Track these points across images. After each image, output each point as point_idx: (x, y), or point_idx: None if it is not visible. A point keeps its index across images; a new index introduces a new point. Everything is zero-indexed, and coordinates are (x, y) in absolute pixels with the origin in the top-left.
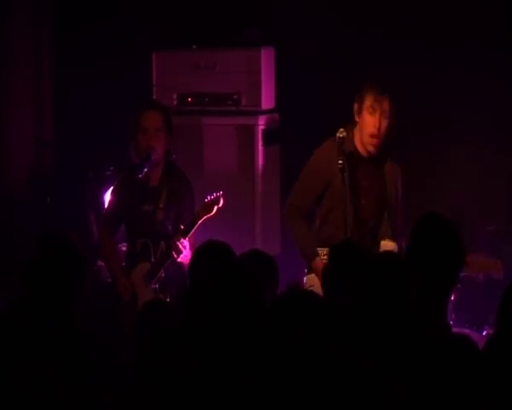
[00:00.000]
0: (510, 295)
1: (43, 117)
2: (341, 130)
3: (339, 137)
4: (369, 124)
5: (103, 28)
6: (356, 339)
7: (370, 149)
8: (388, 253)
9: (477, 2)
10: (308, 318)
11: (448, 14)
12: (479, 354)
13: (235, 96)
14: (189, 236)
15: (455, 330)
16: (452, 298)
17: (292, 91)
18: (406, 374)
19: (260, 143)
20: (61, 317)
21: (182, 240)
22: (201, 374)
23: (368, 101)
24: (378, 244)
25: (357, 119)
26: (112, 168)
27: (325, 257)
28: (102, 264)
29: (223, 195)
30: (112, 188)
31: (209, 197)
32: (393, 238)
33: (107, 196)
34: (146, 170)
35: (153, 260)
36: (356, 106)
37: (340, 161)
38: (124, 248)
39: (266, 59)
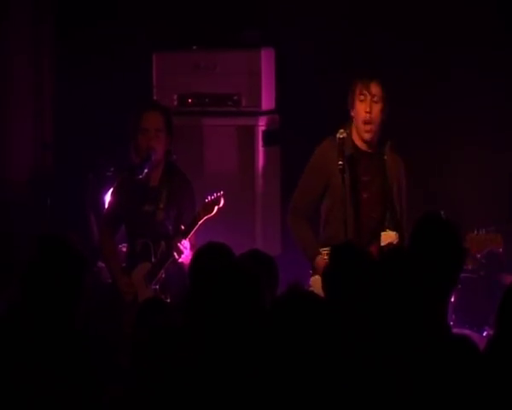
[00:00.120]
0: (510, 296)
1: (44, 118)
2: (341, 131)
3: (339, 138)
4: (360, 111)
5: (103, 29)
6: (356, 340)
7: (365, 136)
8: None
9: (477, 1)
10: (308, 318)
11: (448, 14)
12: (479, 355)
13: (235, 97)
14: (190, 236)
15: (455, 330)
16: (452, 299)
17: (292, 92)
18: (407, 375)
19: (260, 143)
20: (61, 318)
21: (182, 241)
22: (201, 375)
23: (357, 89)
24: (379, 236)
25: (352, 113)
26: (112, 169)
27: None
28: (103, 265)
29: (223, 195)
30: (112, 189)
31: (210, 197)
32: (395, 229)
33: (108, 197)
34: (146, 170)
35: (153, 260)
36: (349, 100)
37: (341, 162)
38: (124, 249)
39: (266, 60)
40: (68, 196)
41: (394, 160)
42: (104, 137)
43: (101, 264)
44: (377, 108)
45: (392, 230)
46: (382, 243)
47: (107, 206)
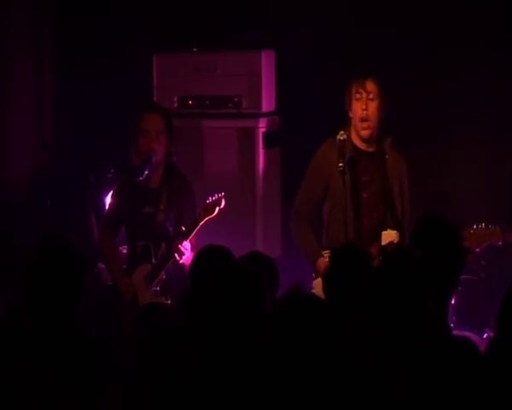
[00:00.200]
0: (510, 299)
1: (44, 119)
2: (341, 132)
3: (339, 140)
4: (357, 109)
5: (104, 30)
6: (357, 341)
7: (363, 134)
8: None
9: (477, 1)
10: (309, 320)
11: (448, 14)
12: (479, 357)
13: (235, 99)
14: (191, 237)
15: (455, 332)
16: (453, 301)
17: (292, 94)
18: (407, 376)
19: (261, 145)
20: (61, 318)
21: (183, 242)
22: (201, 376)
23: (353, 89)
24: (380, 235)
25: (350, 114)
26: (112, 171)
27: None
28: (103, 266)
29: (224, 196)
30: (112, 190)
31: (210, 199)
32: (396, 228)
33: (108, 199)
34: (146, 172)
35: (154, 261)
36: (346, 101)
37: (341, 164)
38: (124, 251)
39: (267, 61)
40: (68, 197)
41: (396, 158)
42: (104, 138)
43: (101, 265)
44: (373, 105)
45: (393, 229)
46: (383, 243)
47: (107, 207)
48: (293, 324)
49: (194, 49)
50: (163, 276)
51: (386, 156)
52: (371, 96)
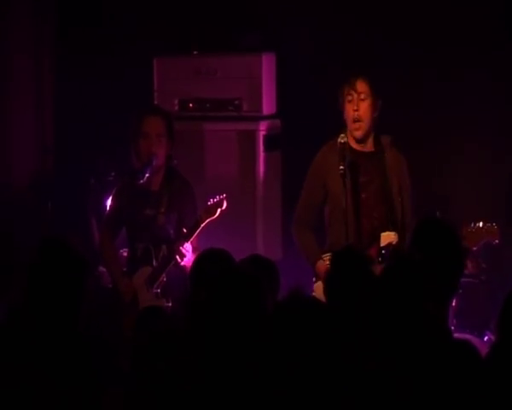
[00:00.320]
0: (511, 302)
1: (45, 122)
2: (342, 135)
3: (340, 143)
4: (349, 111)
5: (104, 33)
6: (357, 344)
7: (356, 134)
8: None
9: (478, 2)
10: (309, 323)
11: (449, 14)
12: (480, 360)
13: (236, 102)
14: (192, 239)
15: (456, 335)
16: (453, 303)
17: (293, 97)
18: (408, 379)
19: (261, 148)
20: (62, 320)
21: (184, 244)
22: (201, 378)
23: (344, 91)
24: (375, 239)
25: (344, 117)
26: (113, 174)
27: (329, 261)
28: (104, 270)
29: (226, 198)
30: (113, 193)
31: (212, 200)
32: (395, 228)
33: (109, 202)
34: (147, 175)
35: (154, 264)
36: (340, 104)
37: (342, 167)
38: (125, 254)
39: (267, 64)
40: (69, 200)
41: (395, 157)
42: (105, 141)
43: (102, 268)
44: (365, 104)
45: (393, 230)
46: (382, 244)
47: (107, 209)
48: (293, 326)
49: (195, 53)
50: (164, 278)
51: (386, 154)
52: (362, 96)
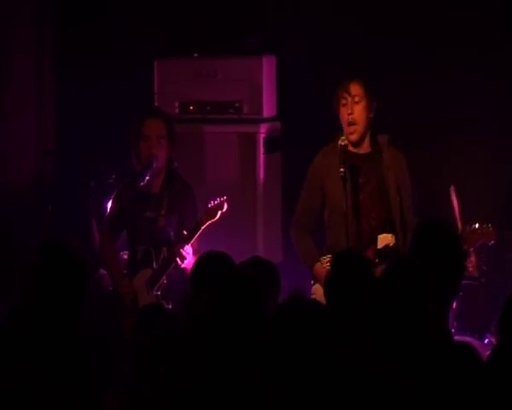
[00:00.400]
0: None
1: (45, 125)
2: (343, 138)
3: (340, 145)
4: (343, 114)
5: (105, 36)
6: (357, 346)
7: (351, 138)
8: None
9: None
10: (310, 326)
11: (449, 14)
12: (480, 362)
13: (236, 105)
14: (192, 242)
15: (456, 338)
16: (454, 306)
17: (293, 99)
18: (408, 382)
19: (262, 151)
20: (63, 323)
21: (185, 246)
22: (202, 380)
23: (339, 94)
24: (374, 240)
25: (340, 120)
26: (113, 176)
27: (327, 264)
28: (104, 272)
29: (226, 200)
30: (113, 195)
31: (212, 202)
32: (391, 229)
33: (109, 204)
34: (147, 178)
35: (155, 266)
36: (334, 107)
37: (342, 169)
38: (125, 257)
39: (267, 67)
40: (70, 203)
41: (393, 156)
42: (105, 143)
43: (102, 271)
44: (359, 107)
45: (389, 231)
46: (379, 246)
47: (108, 212)
48: (294, 329)
49: (195, 55)
50: (164, 280)
51: (383, 154)
52: (356, 99)
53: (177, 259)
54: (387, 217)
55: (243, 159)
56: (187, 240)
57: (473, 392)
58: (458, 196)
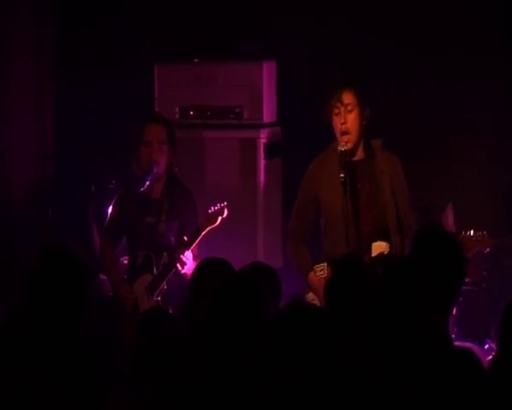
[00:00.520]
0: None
1: (45, 130)
2: (342, 143)
3: (341, 151)
4: (336, 124)
5: (105, 41)
6: (357, 352)
7: (346, 147)
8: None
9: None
10: (311, 331)
11: (451, 20)
12: (481, 368)
13: (236, 110)
14: (193, 247)
15: (457, 343)
16: (454, 311)
17: (294, 105)
18: (408, 387)
19: (262, 156)
20: (64, 327)
21: (185, 252)
22: (203, 385)
23: (331, 103)
24: (370, 247)
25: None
26: (114, 181)
27: (321, 272)
28: (105, 278)
29: (226, 206)
30: (113, 200)
31: (213, 208)
32: (386, 238)
33: (110, 210)
34: (148, 183)
35: (155, 272)
36: (327, 116)
37: (342, 175)
38: (125, 262)
39: (268, 72)
40: (70, 208)
41: (387, 159)
42: (106, 148)
43: (103, 277)
44: (352, 116)
45: (383, 238)
46: (373, 254)
47: (108, 217)
48: (295, 334)
49: (196, 60)
50: (164, 286)
51: (377, 159)
52: (349, 107)
53: (178, 264)
54: (382, 223)
55: (243, 164)
56: (187, 246)
57: (473, 398)
58: (456, 213)
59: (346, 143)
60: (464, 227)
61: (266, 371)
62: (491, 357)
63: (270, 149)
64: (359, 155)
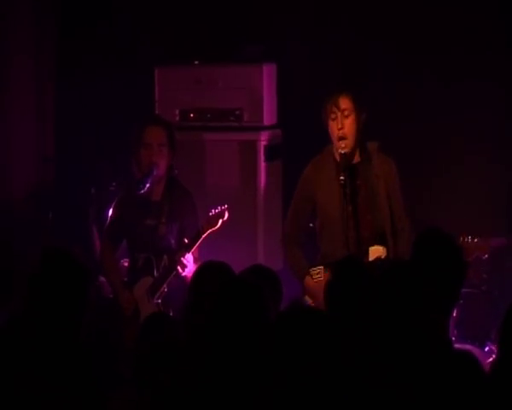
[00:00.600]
0: None
1: (45, 132)
2: (343, 146)
3: (340, 154)
4: (333, 129)
5: (105, 44)
6: (358, 354)
7: (344, 152)
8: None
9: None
10: (312, 333)
11: (451, 22)
12: (481, 370)
13: (237, 112)
14: (193, 250)
15: (457, 346)
16: (454, 314)
17: (294, 107)
18: (408, 390)
19: (262, 158)
20: (64, 329)
21: (186, 254)
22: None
23: (328, 108)
24: (367, 251)
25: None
26: (114, 184)
27: (318, 275)
28: (104, 280)
29: (227, 208)
30: (114, 203)
31: (214, 211)
32: (382, 242)
33: (110, 212)
34: (148, 185)
35: (155, 274)
36: (323, 121)
37: (342, 177)
38: (125, 264)
39: (268, 75)
40: (70, 210)
41: (383, 161)
42: (106, 151)
43: (102, 279)
44: (349, 121)
45: (380, 242)
46: (370, 258)
47: (108, 220)
48: (295, 336)
49: (196, 63)
50: (165, 289)
51: (372, 162)
52: (346, 113)
53: (178, 267)
54: (378, 227)
55: (244, 167)
56: (188, 248)
57: (474, 400)
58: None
59: (344, 148)
60: (463, 230)
61: (267, 373)
62: (491, 359)
63: (271, 152)
64: (355, 158)
